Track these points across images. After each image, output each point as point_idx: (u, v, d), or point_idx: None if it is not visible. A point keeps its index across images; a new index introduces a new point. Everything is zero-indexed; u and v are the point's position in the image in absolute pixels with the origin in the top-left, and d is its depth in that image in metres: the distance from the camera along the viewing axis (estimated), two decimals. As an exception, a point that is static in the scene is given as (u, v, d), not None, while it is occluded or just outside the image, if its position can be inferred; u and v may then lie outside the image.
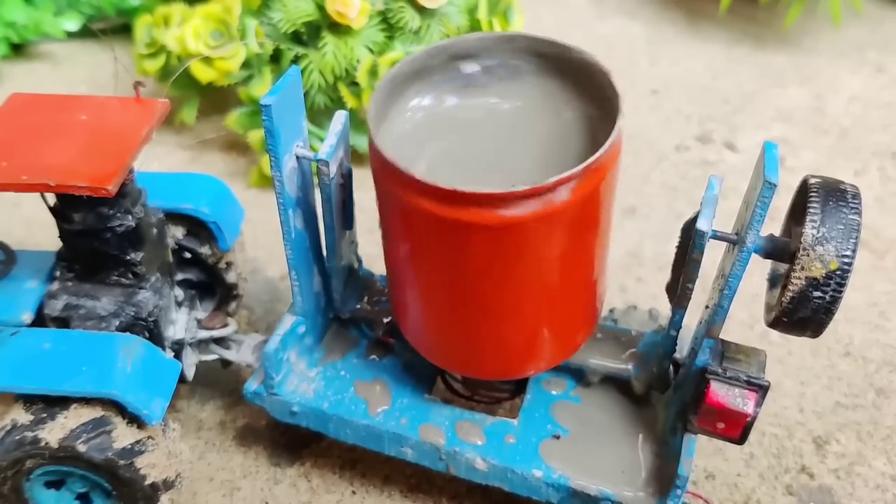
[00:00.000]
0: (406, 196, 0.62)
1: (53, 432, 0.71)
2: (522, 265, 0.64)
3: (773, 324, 0.66)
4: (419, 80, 0.70)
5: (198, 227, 0.87)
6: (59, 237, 0.78)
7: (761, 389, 0.67)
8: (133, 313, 0.78)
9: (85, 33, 1.52)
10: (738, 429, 0.68)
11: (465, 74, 0.71)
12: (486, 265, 0.64)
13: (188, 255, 0.88)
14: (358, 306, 0.84)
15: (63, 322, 0.78)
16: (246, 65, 1.22)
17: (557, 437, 0.77)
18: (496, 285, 0.65)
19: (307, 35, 1.21)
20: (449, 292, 0.68)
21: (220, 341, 0.89)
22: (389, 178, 0.63)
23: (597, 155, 0.60)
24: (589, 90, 0.69)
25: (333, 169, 0.71)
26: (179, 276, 0.89)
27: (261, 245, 1.11)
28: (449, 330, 0.72)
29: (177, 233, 0.87)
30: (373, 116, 0.65)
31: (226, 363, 0.89)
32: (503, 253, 0.63)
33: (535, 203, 0.60)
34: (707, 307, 0.72)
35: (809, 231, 0.61)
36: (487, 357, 0.73)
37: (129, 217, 0.77)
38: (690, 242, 0.67)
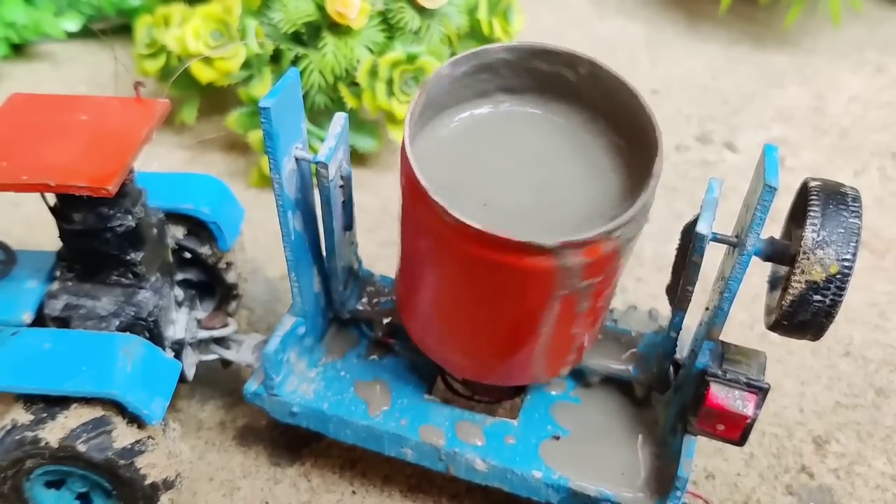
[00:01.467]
0: (457, 241, 0.61)
1: (53, 432, 0.71)
2: (580, 296, 0.64)
3: (773, 327, 0.66)
4: (453, 98, 0.69)
5: (198, 227, 0.87)
6: (59, 237, 0.78)
7: (761, 391, 0.67)
8: (133, 313, 0.78)
9: (85, 33, 1.52)
10: (737, 431, 0.68)
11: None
12: (532, 300, 0.64)
13: (188, 255, 0.88)
14: (358, 307, 0.84)
15: (63, 322, 0.78)
16: (246, 65, 1.22)
17: (557, 438, 0.77)
18: (536, 314, 0.66)
19: (307, 35, 1.21)
20: (478, 314, 0.68)
21: (220, 341, 0.89)
22: (431, 213, 0.62)
23: (640, 203, 0.61)
24: (620, 120, 0.68)
25: (332, 171, 0.71)
26: (179, 276, 0.89)
27: (261, 245, 1.11)
28: (467, 342, 0.72)
29: (177, 233, 0.87)
30: (409, 136, 0.63)
31: (226, 363, 0.89)
32: (548, 291, 0.63)
33: (586, 252, 0.60)
34: (707, 309, 0.72)
35: (810, 235, 0.61)
36: (501, 367, 0.73)
37: (130, 217, 0.77)
38: (690, 245, 0.67)
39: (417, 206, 0.63)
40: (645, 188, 0.62)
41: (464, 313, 0.69)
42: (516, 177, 0.68)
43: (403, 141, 0.63)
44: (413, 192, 0.63)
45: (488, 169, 0.68)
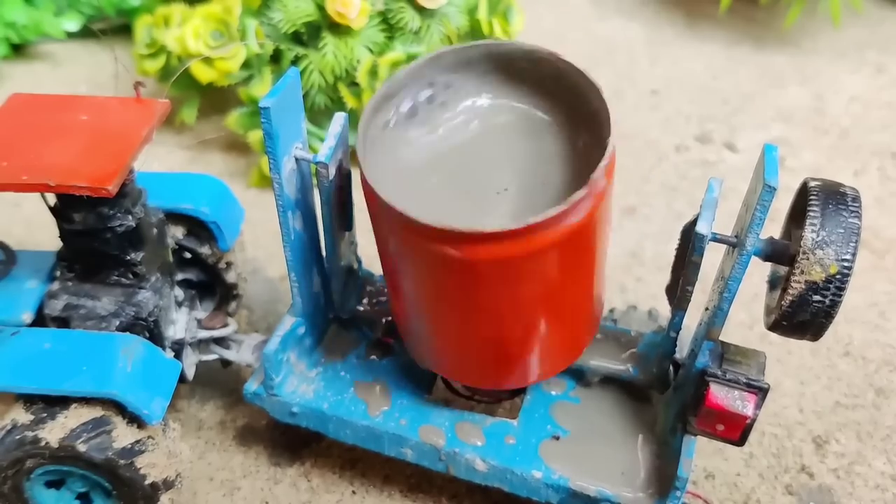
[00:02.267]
0: (418, 241, 0.61)
1: (53, 432, 0.71)
2: (539, 287, 0.64)
3: (773, 327, 0.66)
4: (391, 105, 0.69)
5: (198, 227, 0.87)
6: (60, 237, 0.78)
7: (761, 392, 0.67)
8: (133, 313, 0.78)
9: (85, 33, 1.52)
10: (737, 431, 0.68)
11: (427, 97, 0.70)
12: (501, 292, 0.64)
13: (188, 255, 0.88)
14: (358, 307, 0.84)
15: (63, 322, 0.78)
16: (246, 65, 1.22)
17: (557, 438, 0.77)
18: (512, 308, 0.66)
19: (307, 35, 1.21)
20: (460, 318, 0.68)
21: (220, 341, 0.89)
22: (395, 224, 0.62)
23: (600, 168, 0.60)
24: (555, 94, 0.68)
25: (332, 171, 0.71)
26: (179, 276, 0.89)
27: (261, 245, 1.11)
28: (454, 347, 0.72)
29: (177, 233, 0.87)
30: (361, 151, 0.64)
31: (226, 363, 0.89)
32: (519, 280, 0.63)
33: (554, 229, 0.60)
34: (707, 309, 0.72)
35: (809, 235, 0.61)
36: (494, 371, 0.73)
37: (130, 217, 0.77)
38: (690, 245, 0.67)
39: (373, 208, 0.64)
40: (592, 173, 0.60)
41: (433, 312, 0.69)
42: (464, 162, 0.68)
43: (356, 146, 0.63)
44: (368, 195, 0.64)
45: (437, 163, 0.68)
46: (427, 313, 0.70)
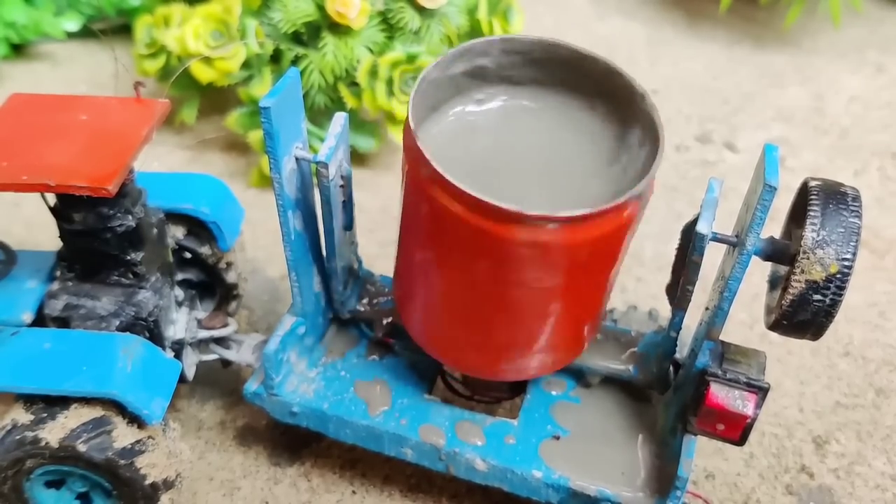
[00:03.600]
0: (468, 213, 0.61)
1: (54, 432, 0.71)
2: (571, 276, 0.64)
3: (773, 326, 0.66)
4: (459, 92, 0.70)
5: (198, 227, 0.87)
6: (59, 237, 0.78)
7: (761, 391, 0.67)
8: (133, 313, 0.78)
9: (85, 33, 1.52)
10: (737, 430, 0.68)
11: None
12: (538, 277, 0.64)
13: (188, 255, 0.88)
14: (358, 307, 0.84)
15: (63, 322, 0.78)
16: (246, 65, 1.22)
17: (557, 438, 0.77)
18: (532, 295, 0.66)
19: (307, 35, 1.21)
20: (477, 298, 0.68)
21: (220, 341, 0.89)
22: (439, 190, 0.62)
23: (654, 168, 0.61)
24: (609, 96, 0.70)
25: (333, 171, 0.71)
26: (179, 276, 0.89)
27: (261, 245, 1.11)
28: (467, 331, 0.72)
29: (177, 233, 0.87)
30: (413, 119, 0.64)
31: (226, 363, 0.89)
32: (556, 269, 0.63)
33: (606, 220, 0.61)
34: (707, 309, 0.72)
35: (809, 234, 0.61)
36: (503, 360, 0.73)
37: (130, 217, 0.76)
38: (690, 245, 0.67)
39: (420, 183, 0.63)
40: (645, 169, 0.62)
41: (467, 297, 0.69)
42: (516, 163, 0.69)
43: (409, 132, 0.63)
44: (416, 167, 0.63)
45: (487, 158, 0.69)
46: (443, 291, 0.70)
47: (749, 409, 0.67)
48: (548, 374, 0.77)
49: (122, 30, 1.49)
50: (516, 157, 0.69)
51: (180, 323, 0.86)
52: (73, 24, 1.51)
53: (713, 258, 0.72)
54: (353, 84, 1.20)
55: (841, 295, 0.61)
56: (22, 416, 0.72)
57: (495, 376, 0.77)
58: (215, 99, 1.33)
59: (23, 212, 1.17)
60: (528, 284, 0.65)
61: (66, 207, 0.76)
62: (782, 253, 0.66)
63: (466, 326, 0.71)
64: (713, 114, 1.45)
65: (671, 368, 0.76)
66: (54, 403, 0.72)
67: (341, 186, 0.74)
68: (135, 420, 0.73)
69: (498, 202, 0.59)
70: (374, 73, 1.17)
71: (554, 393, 0.81)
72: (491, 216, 0.60)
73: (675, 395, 0.75)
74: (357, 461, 0.87)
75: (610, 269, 0.67)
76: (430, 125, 0.70)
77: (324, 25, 1.19)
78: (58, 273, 0.81)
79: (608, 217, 0.61)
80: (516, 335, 0.70)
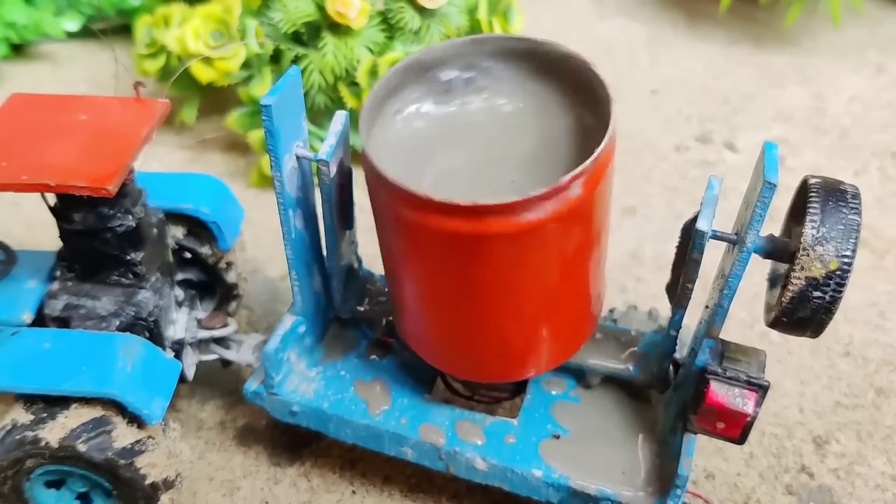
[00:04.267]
0: (415, 214, 0.62)
1: (54, 432, 0.71)
2: (535, 267, 0.64)
3: (773, 324, 0.66)
4: (402, 92, 0.70)
5: (198, 227, 0.87)
6: (60, 237, 0.78)
7: (761, 389, 0.67)
8: (133, 313, 0.78)
9: (85, 33, 1.52)
10: (737, 429, 0.68)
11: (445, 82, 0.71)
12: (501, 271, 0.64)
13: (188, 255, 0.88)
14: (358, 306, 0.84)
15: (63, 322, 0.78)
16: (246, 65, 1.22)
17: (557, 437, 0.77)
18: (510, 289, 0.66)
19: (307, 35, 1.21)
20: (457, 300, 0.68)
21: (220, 341, 0.89)
22: (391, 196, 0.63)
23: (604, 143, 0.60)
24: (568, 83, 0.69)
25: (333, 169, 0.71)
26: (179, 276, 0.89)
27: (261, 245, 1.11)
28: (454, 335, 0.72)
29: (177, 233, 0.87)
30: (364, 129, 0.65)
31: (226, 363, 0.89)
32: (519, 257, 0.63)
33: (552, 203, 0.60)
34: (707, 307, 0.72)
35: (809, 231, 0.61)
36: (493, 360, 0.73)
37: (130, 217, 0.77)
38: (690, 242, 0.67)
39: (386, 198, 0.64)
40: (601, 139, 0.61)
41: (450, 298, 0.69)
42: (471, 149, 0.69)
43: (360, 133, 0.64)
44: (378, 185, 0.64)
45: (446, 151, 0.69)
46: (423, 297, 0.70)
47: (749, 408, 0.67)
48: (544, 372, 0.77)
49: (122, 30, 1.49)
50: (474, 149, 0.70)
51: (180, 323, 0.86)
52: (73, 24, 1.51)
53: (713, 256, 0.72)
54: (353, 84, 1.20)
55: (841, 292, 0.61)
56: (22, 416, 0.72)
57: (491, 378, 0.77)
58: (215, 99, 1.33)
59: (23, 212, 1.17)
60: (495, 279, 0.65)
61: (66, 207, 0.76)
62: (782, 250, 0.66)
63: (452, 331, 0.72)
64: (713, 114, 1.45)
65: (671, 367, 0.76)
66: (54, 403, 0.72)
67: (342, 185, 0.74)
68: (135, 420, 0.73)
69: (468, 201, 0.59)
70: (374, 73, 1.17)
71: (554, 392, 0.81)
72: (463, 214, 0.60)
73: (675, 394, 0.75)
74: (357, 461, 0.87)
75: (585, 252, 0.66)
76: (382, 120, 0.70)
77: (324, 25, 1.19)
78: (58, 273, 0.81)
79: (560, 194, 0.60)
80: (501, 335, 0.70)
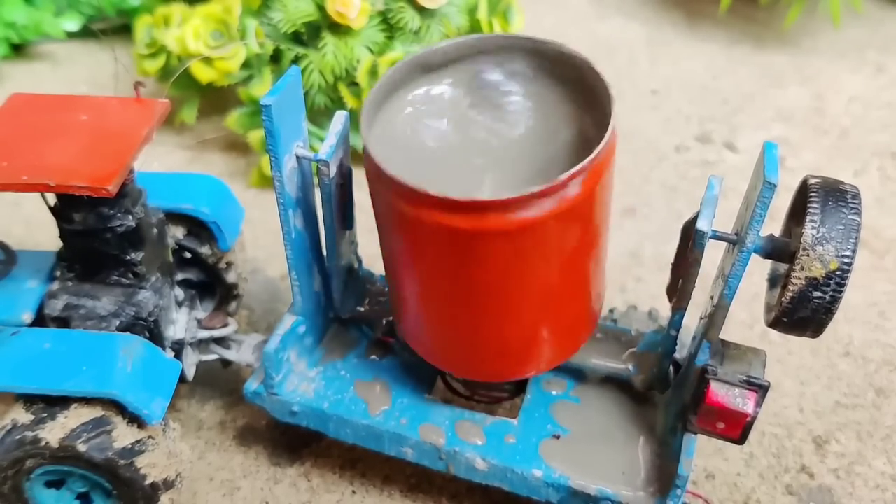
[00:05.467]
0: (413, 209, 0.62)
1: (54, 432, 0.71)
2: (534, 265, 0.64)
3: (773, 324, 0.66)
4: (404, 88, 0.70)
5: (198, 227, 0.87)
6: (60, 237, 0.78)
7: (761, 389, 0.67)
8: (133, 313, 0.78)
9: (85, 33, 1.52)
10: (738, 429, 0.68)
11: (448, 79, 0.71)
12: (499, 269, 0.64)
13: (188, 255, 0.88)
14: (358, 306, 0.84)
15: (63, 322, 0.78)
16: (246, 65, 1.22)
17: (557, 437, 0.77)
18: (508, 288, 0.66)
19: (307, 35, 1.21)
20: (456, 297, 0.68)
21: (220, 341, 0.89)
22: (390, 191, 0.63)
23: (604, 142, 0.60)
24: (570, 83, 0.69)
25: (333, 169, 0.71)
26: (179, 276, 0.89)
27: (261, 245, 1.11)
28: (453, 334, 0.72)
29: (177, 233, 0.87)
30: (365, 124, 0.65)
31: (226, 363, 0.89)
32: (517, 255, 0.63)
33: (550, 201, 0.60)
34: (707, 307, 0.72)
35: (809, 231, 0.61)
36: (492, 359, 0.73)
37: (130, 217, 0.77)
38: (690, 243, 0.67)
39: (385, 193, 0.64)
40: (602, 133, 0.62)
41: (449, 295, 0.69)
42: (477, 148, 0.69)
43: (361, 128, 0.64)
44: (377, 179, 0.64)
45: (446, 146, 0.69)
46: (422, 294, 0.70)
47: (749, 408, 0.67)
48: (544, 372, 0.77)
49: (122, 30, 1.49)
50: (475, 147, 0.70)
51: (180, 323, 0.86)
52: (73, 24, 1.51)
53: (713, 256, 0.72)
54: (353, 84, 1.20)
55: (841, 292, 0.61)
56: (22, 416, 0.72)
57: (491, 377, 0.77)
58: (215, 99, 1.33)
59: (23, 212, 1.17)
60: (493, 277, 0.65)
61: (66, 207, 0.76)
62: (782, 250, 0.66)
63: (452, 330, 0.72)
64: (713, 114, 1.45)
65: (671, 367, 0.76)
66: (54, 403, 0.72)
67: (342, 185, 0.74)
68: (135, 420, 0.73)
69: (466, 197, 0.59)
70: (374, 73, 1.17)
71: (554, 392, 0.81)
72: (461, 210, 0.60)
73: (675, 395, 0.75)
74: (357, 461, 0.87)
75: (584, 250, 0.66)
76: (384, 116, 0.70)
77: (324, 25, 1.19)
78: (58, 273, 0.81)
79: (536, 202, 0.60)
80: (500, 334, 0.70)
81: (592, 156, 0.60)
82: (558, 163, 0.68)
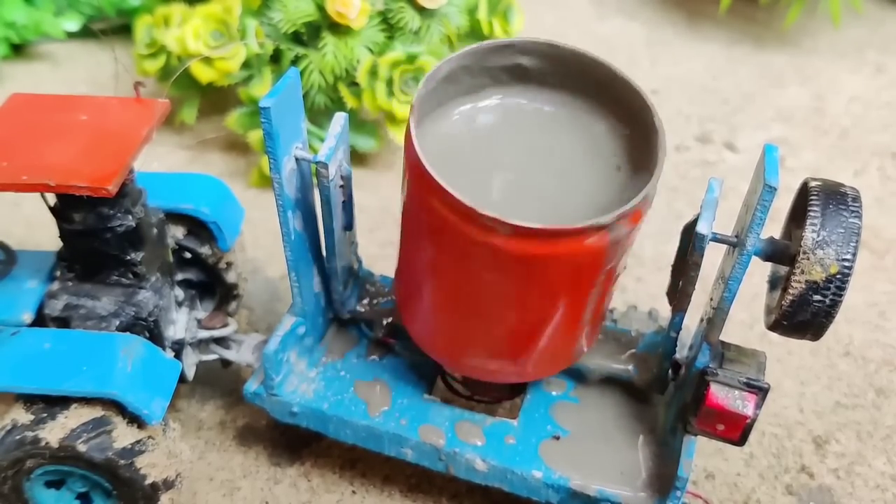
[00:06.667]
0: (469, 230, 0.61)
1: (54, 432, 0.71)
2: (578, 285, 0.65)
3: (773, 327, 0.66)
4: (448, 91, 0.70)
5: (198, 227, 0.87)
6: (60, 237, 0.78)
7: (761, 391, 0.67)
8: (133, 313, 0.78)
9: (85, 33, 1.52)
10: (737, 431, 0.68)
11: (488, 86, 0.71)
12: (549, 288, 0.64)
13: (188, 255, 0.88)
14: (358, 307, 0.84)
15: (63, 322, 0.78)
16: (246, 65, 1.22)
17: (557, 438, 0.77)
18: (556, 304, 0.66)
19: (307, 35, 1.21)
20: (489, 307, 0.68)
21: (220, 341, 0.89)
22: (440, 203, 0.62)
23: (655, 177, 0.62)
24: (618, 106, 0.70)
25: (332, 171, 0.71)
26: (179, 276, 0.89)
27: (261, 245, 1.11)
28: (474, 339, 0.72)
29: (177, 233, 0.87)
30: (415, 125, 0.64)
31: (226, 363, 0.89)
32: (569, 276, 0.63)
33: (623, 226, 0.61)
34: (707, 309, 0.72)
35: (809, 235, 0.61)
36: (510, 364, 0.73)
37: (130, 217, 0.77)
38: (690, 245, 0.67)
39: (416, 184, 0.63)
40: (651, 171, 0.63)
41: (461, 301, 0.69)
42: (520, 167, 0.68)
43: (409, 135, 0.63)
44: (425, 188, 0.63)
45: (492, 162, 0.68)
46: (440, 295, 0.70)
47: (749, 410, 0.67)
48: (547, 376, 0.77)
49: (122, 30, 1.49)
50: (521, 161, 0.69)
51: (180, 323, 0.86)
52: (73, 24, 1.51)
53: (713, 258, 0.72)
54: (353, 84, 1.20)
55: (841, 295, 0.61)
56: (22, 416, 0.72)
57: (495, 378, 0.77)
58: (215, 99, 1.33)
59: (23, 212, 1.17)
60: (518, 292, 0.65)
61: (66, 207, 0.76)
62: (782, 253, 0.66)
63: (465, 330, 0.71)
64: (713, 114, 1.45)
65: (671, 369, 0.76)
66: (54, 403, 0.72)
67: (341, 186, 0.74)
68: (135, 420, 0.73)
69: (480, 209, 0.59)
70: (374, 73, 1.17)
71: (554, 393, 0.81)
72: (476, 222, 0.60)
73: (674, 396, 0.75)
74: (357, 461, 0.87)
75: (612, 276, 0.67)
76: (433, 124, 0.69)
77: (324, 25, 1.19)
78: (58, 273, 0.81)
79: (571, 238, 0.60)
80: (513, 341, 0.70)
81: (650, 185, 0.61)
82: (582, 191, 0.68)
